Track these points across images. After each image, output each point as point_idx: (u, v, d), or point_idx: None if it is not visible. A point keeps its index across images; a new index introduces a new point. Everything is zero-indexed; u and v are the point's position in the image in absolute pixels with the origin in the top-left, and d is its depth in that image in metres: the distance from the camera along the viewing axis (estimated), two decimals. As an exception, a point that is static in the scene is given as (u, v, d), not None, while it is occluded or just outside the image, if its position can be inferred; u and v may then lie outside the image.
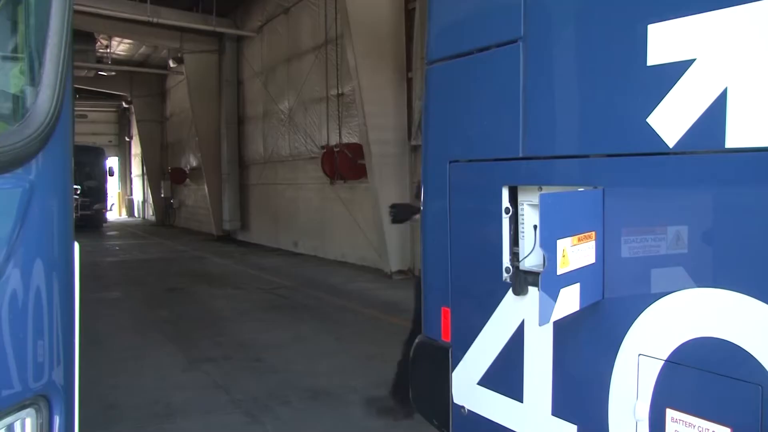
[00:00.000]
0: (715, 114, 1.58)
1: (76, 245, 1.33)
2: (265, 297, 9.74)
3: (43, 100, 1.17)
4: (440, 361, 2.48)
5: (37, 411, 1.19)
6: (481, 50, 2.28)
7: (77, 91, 26.11)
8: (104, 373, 5.63)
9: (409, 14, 10.89)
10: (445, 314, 2.46)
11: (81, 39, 19.25)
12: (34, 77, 1.19)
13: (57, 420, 1.22)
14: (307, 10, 14.37)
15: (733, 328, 1.57)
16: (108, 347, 6.67)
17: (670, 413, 1.71)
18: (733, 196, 1.59)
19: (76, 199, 22.45)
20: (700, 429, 1.63)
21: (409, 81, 10.98)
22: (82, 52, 20.08)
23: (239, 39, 18.38)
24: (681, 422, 1.68)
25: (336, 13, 12.44)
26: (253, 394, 5.14)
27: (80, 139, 28.46)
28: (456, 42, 2.40)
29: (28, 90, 1.19)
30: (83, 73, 23.20)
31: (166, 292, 10.40)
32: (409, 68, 10.99)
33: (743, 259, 1.56)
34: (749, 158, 1.53)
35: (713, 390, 1.62)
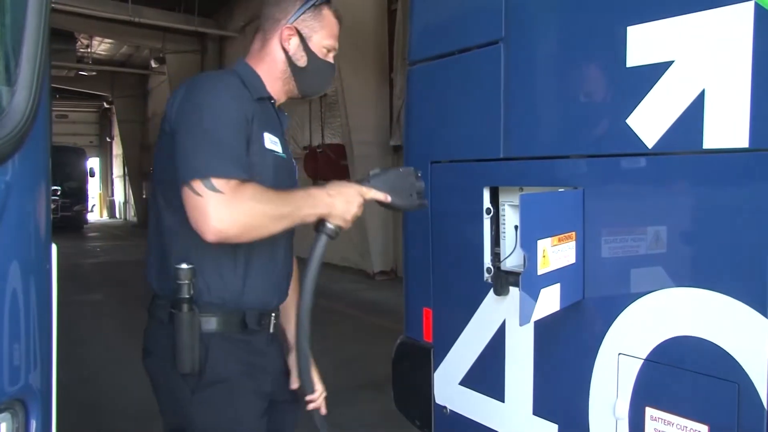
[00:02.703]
0: (693, 115, 1.59)
1: (54, 247, 1.32)
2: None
3: (20, 100, 1.15)
4: (422, 362, 2.48)
5: (13, 415, 1.18)
6: (462, 51, 2.29)
7: (57, 91, 25.86)
8: (86, 376, 5.58)
9: (391, 15, 10.89)
10: (427, 315, 2.47)
11: (61, 38, 19.03)
12: (9, 77, 1.18)
13: (33, 424, 1.20)
14: (290, 11, 14.32)
15: (711, 326, 1.59)
16: (90, 350, 6.61)
17: (649, 412, 1.72)
18: (711, 197, 1.61)
19: (56, 200, 22.22)
20: (678, 427, 1.65)
21: (392, 81, 10.98)
22: (62, 52, 19.84)
23: (222, 39, 18.28)
24: (660, 420, 1.69)
25: (319, 14, 12.40)
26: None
27: (60, 140, 28.21)
28: (438, 43, 2.41)
29: (4, 90, 1.17)
30: (63, 72, 22.95)
31: (148, 293, 10.30)
32: (391, 69, 10.99)
33: (720, 259, 1.58)
34: (726, 159, 1.55)
35: (691, 388, 1.63)
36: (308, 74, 1.93)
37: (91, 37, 21.38)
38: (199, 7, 16.15)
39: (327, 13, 1.95)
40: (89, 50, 22.75)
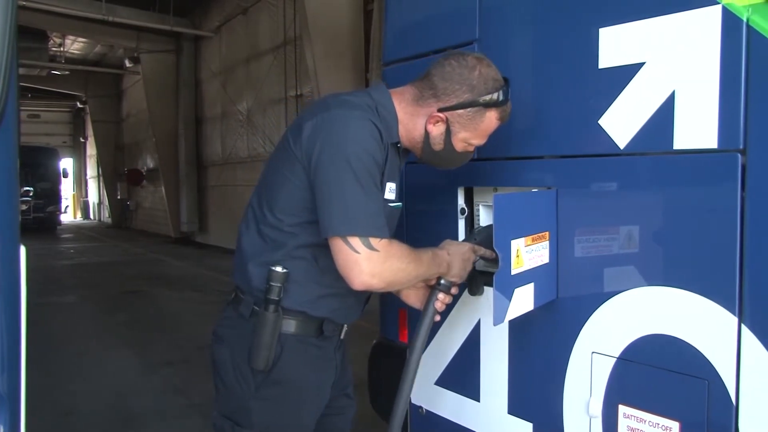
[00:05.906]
0: (664, 116, 1.61)
1: (23, 248, 1.30)
2: (223, 299, 9.62)
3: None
4: (398, 362, 2.48)
5: (-20, 420, 1.16)
6: (437, 52, 2.28)
7: (29, 90, 25.46)
8: (59, 380, 5.51)
9: (367, 15, 10.89)
10: (403, 316, 2.47)
11: (33, 37, 18.74)
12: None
13: (1, 429, 1.19)
14: (266, 11, 14.25)
15: (681, 325, 1.61)
16: (63, 353, 6.52)
17: (622, 409, 1.74)
18: (681, 197, 1.63)
19: (28, 201, 21.91)
20: (650, 424, 1.67)
21: (368, 81, 10.97)
22: (34, 51, 19.53)
23: (197, 39, 18.13)
24: (633, 418, 1.71)
25: (295, 14, 12.37)
26: (211, 397, 5.08)
27: (33, 140, 27.77)
28: (412, 43, 2.41)
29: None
30: (35, 71, 22.59)
31: (123, 295, 10.21)
32: (367, 69, 10.98)
33: (691, 258, 1.60)
34: (695, 159, 1.57)
35: (663, 386, 1.65)
36: (438, 157, 1.88)
37: (63, 36, 21.08)
38: (174, 6, 16.01)
39: (491, 116, 1.81)
40: (62, 49, 22.44)
